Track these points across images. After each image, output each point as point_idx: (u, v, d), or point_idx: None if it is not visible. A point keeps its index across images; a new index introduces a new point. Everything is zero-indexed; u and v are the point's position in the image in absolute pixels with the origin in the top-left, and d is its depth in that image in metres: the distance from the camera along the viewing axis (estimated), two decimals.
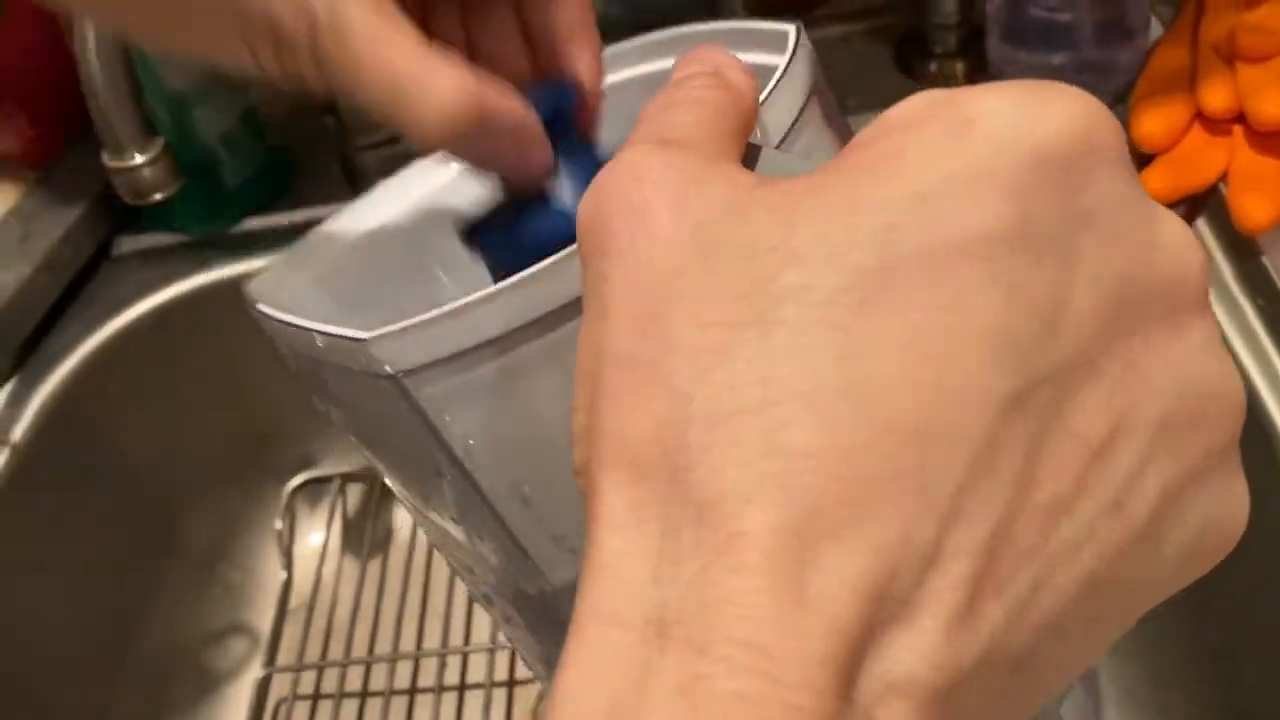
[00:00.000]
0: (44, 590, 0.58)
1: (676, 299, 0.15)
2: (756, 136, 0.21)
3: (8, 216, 0.62)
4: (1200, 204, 0.52)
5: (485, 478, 0.25)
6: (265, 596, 0.67)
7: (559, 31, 0.28)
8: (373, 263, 0.34)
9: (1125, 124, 0.53)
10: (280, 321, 0.26)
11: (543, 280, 0.23)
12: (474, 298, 0.23)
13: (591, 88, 0.28)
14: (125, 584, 0.62)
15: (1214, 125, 0.51)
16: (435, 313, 0.23)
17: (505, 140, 0.25)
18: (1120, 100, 0.56)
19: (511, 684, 0.60)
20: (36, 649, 0.57)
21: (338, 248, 0.33)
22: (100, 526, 0.61)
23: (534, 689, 0.60)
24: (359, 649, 0.63)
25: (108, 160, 0.46)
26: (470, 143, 0.25)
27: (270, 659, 0.64)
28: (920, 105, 0.16)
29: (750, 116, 0.19)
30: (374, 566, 0.67)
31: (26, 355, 0.59)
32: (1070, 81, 0.56)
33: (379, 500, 0.69)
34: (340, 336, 0.24)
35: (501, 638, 0.60)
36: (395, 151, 0.63)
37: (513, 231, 0.27)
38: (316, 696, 0.62)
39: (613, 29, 0.36)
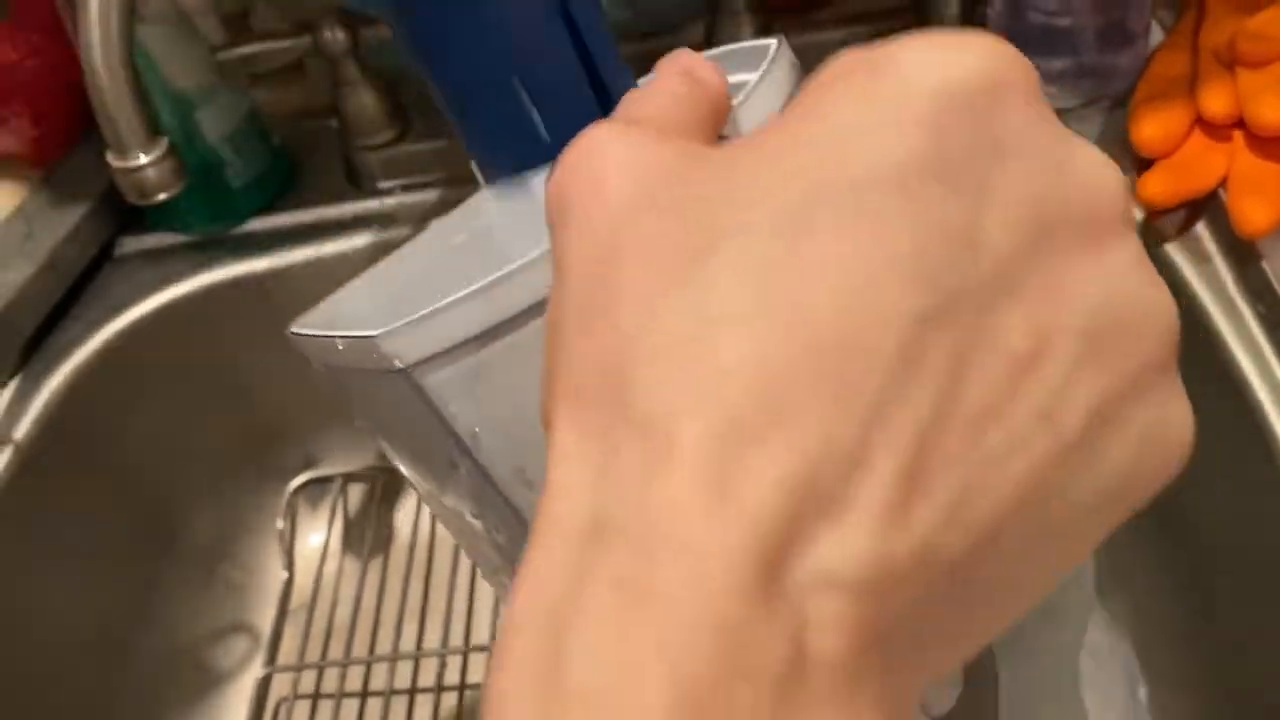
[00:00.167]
0: (45, 588, 0.58)
1: (624, 252, 0.16)
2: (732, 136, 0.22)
3: (12, 216, 0.62)
4: (1200, 209, 0.52)
5: (494, 465, 0.26)
6: (266, 596, 0.67)
7: None
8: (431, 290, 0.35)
9: (1125, 129, 0.53)
10: (306, 335, 0.27)
11: (536, 268, 0.24)
12: (473, 288, 0.24)
13: None
14: (126, 582, 0.63)
15: (1214, 130, 0.51)
16: (438, 304, 0.24)
17: None
18: (1120, 104, 0.57)
19: None
20: (37, 646, 0.57)
21: (400, 279, 0.34)
22: (102, 525, 0.61)
23: None
24: (359, 649, 0.63)
25: (112, 160, 0.46)
26: None
27: (271, 658, 0.64)
28: (846, 60, 0.17)
29: (720, 110, 0.21)
30: (375, 566, 0.67)
31: (30, 354, 0.59)
32: (1070, 86, 0.56)
33: (380, 500, 0.69)
34: (354, 338, 0.25)
35: None
36: (397, 152, 0.64)
37: None
38: (317, 696, 0.62)
39: (615, 31, 0.36)
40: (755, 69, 0.29)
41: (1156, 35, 0.58)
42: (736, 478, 0.14)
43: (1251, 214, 0.49)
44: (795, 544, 0.14)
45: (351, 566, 0.67)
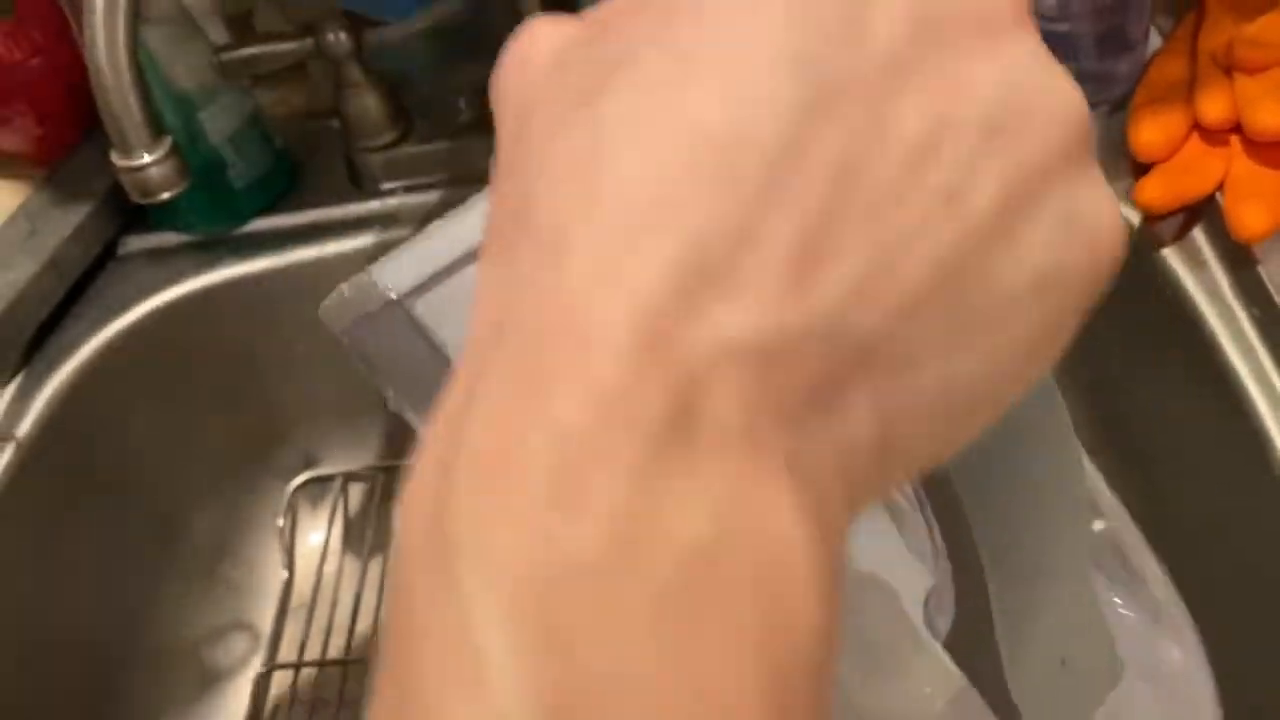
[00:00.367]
0: (46, 585, 0.58)
1: (534, 110, 0.17)
2: None
3: (15, 215, 0.62)
4: (1197, 213, 0.53)
5: None
6: (266, 594, 0.67)
7: None
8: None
9: (1124, 133, 0.54)
10: (329, 304, 0.28)
11: None
12: (456, 212, 0.25)
13: None
14: (127, 580, 0.63)
15: (1212, 135, 0.52)
16: (426, 234, 0.25)
17: None
18: (1119, 109, 0.57)
19: None
20: (38, 644, 0.57)
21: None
22: (103, 523, 0.62)
23: None
24: (360, 647, 0.63)
25: (115, 159, 0.46)
26: None
27: (271, 656, 0.64)
28: None
29: None
30: (375, 565, 0.67)
31: (32, 352, 0.60)
32: None
33: (380, 499, 0.69)
34: (355, 279, 0.26)
35: None
36: (399, 154, 0.64)
37: None
38: (316, 694, 0.62)
39: None
40: None
41: (1155, 41, 0.58)
42: (624, 263, 0.14)
43: (1248, 219, 0.49)
44: (685, 316, 0.14)
45: (352, 566, 0.67)
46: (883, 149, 0.15)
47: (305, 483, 0.70)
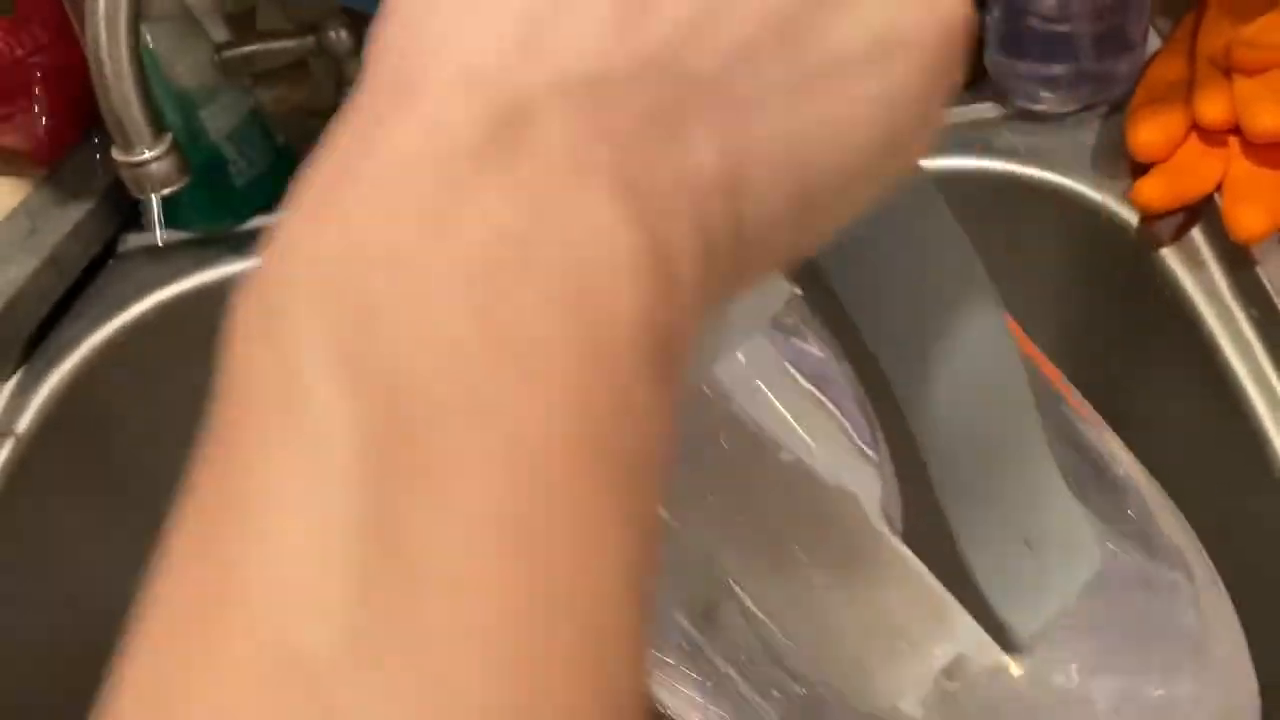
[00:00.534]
0: (46, 582, 0.58)
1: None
2: None
3: (15, 212, 0.62)
4: (1196, 214, 0.53)
5: None
6: None
7: None
8: None
9: (1123, 134, 0.54)
10: None
11: None
12: None
13: None
14: (125, 578, 0.63)
15: (1210, 136, 0.52)
16: None
17: None
18: (1118, 110, 0.57)
19: None
20: (37, 642, 0.57)
21: None
22: (103, 519, 0.62)
23: None
24: None
25: (116, 155, 0.46)
26: None
27: None
28: None
29: None
30: None
31: (33, 349, 0.60)
32: (1068, 91, 0.56)
33: None
34: None
35: None
36: None
37: None
38: None
39: None
40: None
41: (1154, 42, 0.59)
42: (464, 23, 0.16)
43: (1246, 219, 0.49)
44: (515, 61, 0.15)
45: None
46: None
47: None
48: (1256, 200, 0.49)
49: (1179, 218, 0.53)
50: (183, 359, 0.64)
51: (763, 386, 0.28)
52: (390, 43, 0.17)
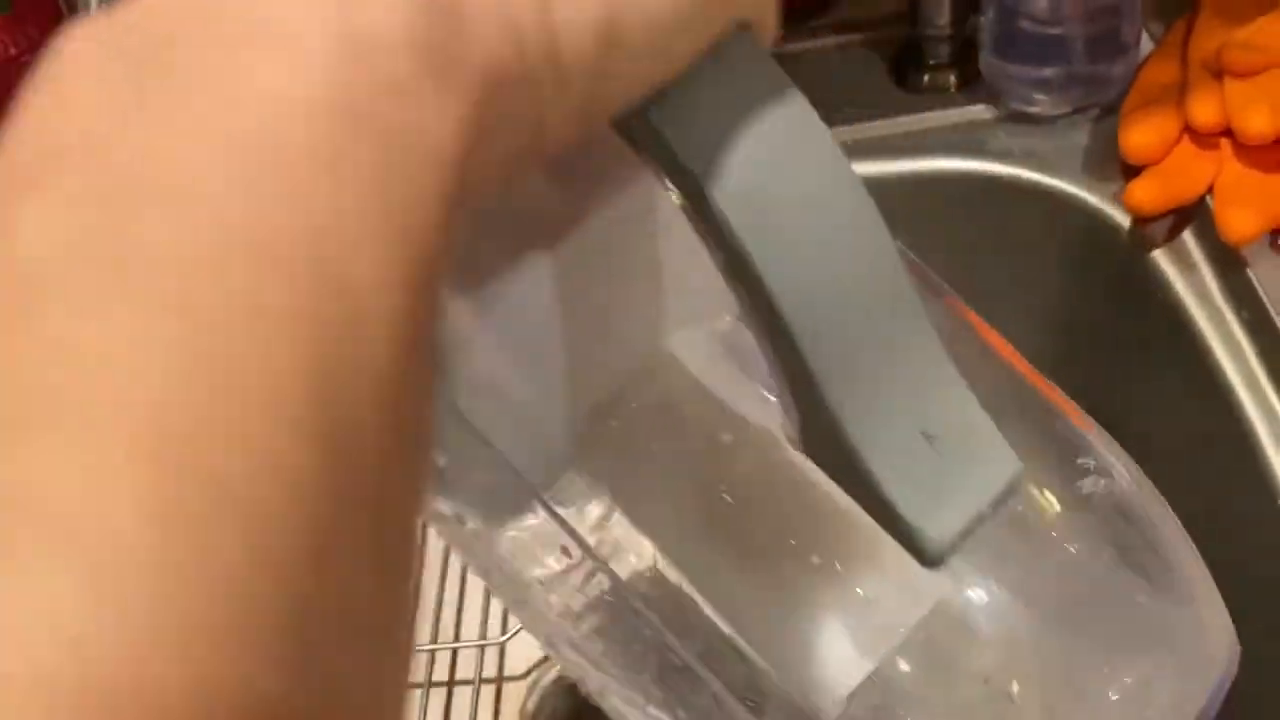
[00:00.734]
0: None
1: None
2: None
3: None
4: (1187, 216, 0.53)
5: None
6: None
7: None
8: None
9: (1115, 136, 0.54)
10: None
11: None
12: None
13: None
14: None
15: (1202, 139, 0.52)
16: None
17: None
18: (1110, 112, 0.57)
19: (500, 680, 0.60)
20: None
21: None
22: None
23: (523, 685, 0.60)
24: None
25: None
26: None
27: None
28: None
29: None
30: None
31: None
32: (1061, 94, 0.57)
33: None
34: None
35: (491, 635, 0.60)
36: None
37: None
38: None
39: None
40: None
41: (1147, 46, 0.59)
42: None
43: (1237, 222, 0.49)
44: None
45: None
46: None
47: None
48: (1247, 202, 0.50)
49: (1170, 220, 0.53)
50: None
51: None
52: None
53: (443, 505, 0.29)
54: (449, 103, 0.15)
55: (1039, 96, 0.58)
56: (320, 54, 0.14)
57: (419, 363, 0.14)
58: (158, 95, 0.14)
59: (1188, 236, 0.53)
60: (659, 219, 0.23)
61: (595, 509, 0.27)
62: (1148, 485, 0.29)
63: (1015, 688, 0.26)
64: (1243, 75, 0.51)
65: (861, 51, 0.65)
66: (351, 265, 0.13)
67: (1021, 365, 0.29)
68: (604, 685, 0.28)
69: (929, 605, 0.26)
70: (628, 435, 0.28)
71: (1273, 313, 0.49)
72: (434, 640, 0.62)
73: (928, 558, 0.22)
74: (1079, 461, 0.28)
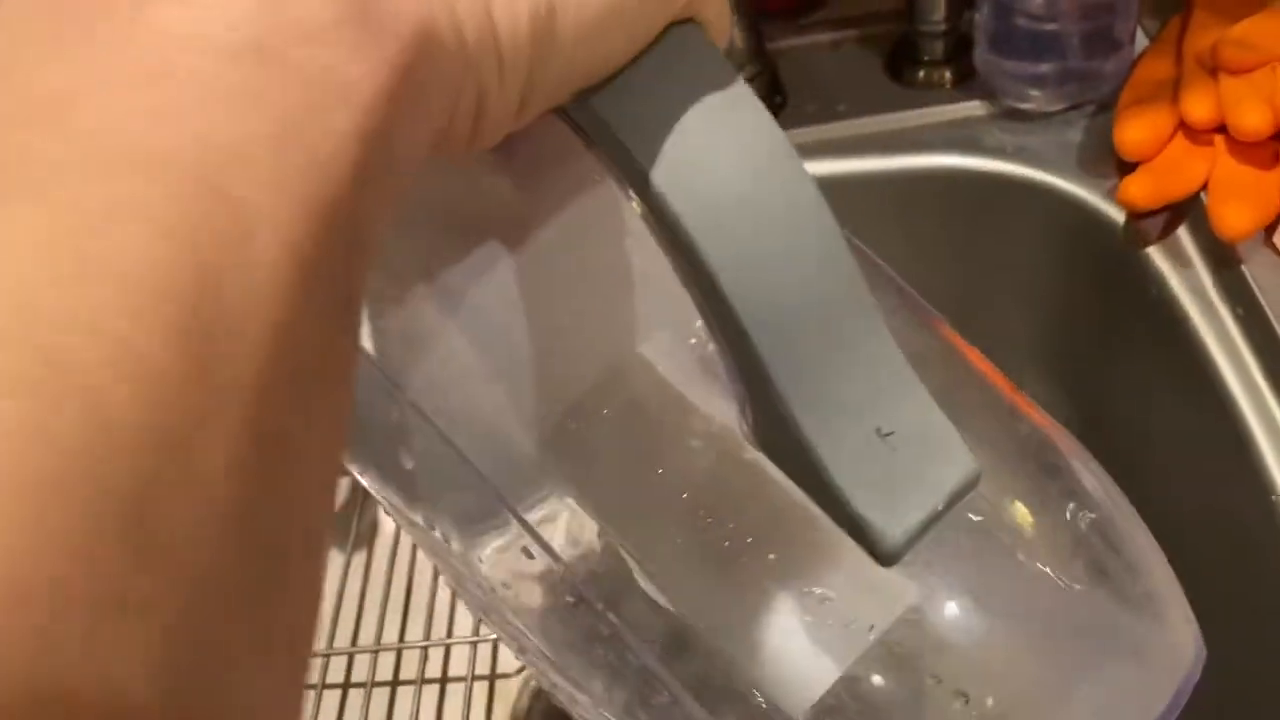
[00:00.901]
0: None
1: None
2: None
3: None
4: (1182, 212, 0.53)
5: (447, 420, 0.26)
6: None
7: None
8: None
9: (1110, 133, 0.54)
10: None
11: None
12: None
13: None
14: None
15: (1196, 135, 0.52)
16: None
17: None
18: (1105, 109, 0.57)
19: (493, 677, 0.60)
20: None
21: None
22: None
23: (515, 682, 0.60)
24: (342, 640, 0.63)
25: None
26: None
27: None
28: None
29: None
30: (359, 559, 0.67)
31: None
32: (1056, 90, 0.57)
33: (365, 493, 0.69)
34: None
35: (484, 632, 0.60)
36: None
37: None
38: None
39: None
40: None
41: (1141, 42, 0.59)
42: None
43: (1231, 218, 0.49)
44: None
45: (335, 559, 0.67)
46: None
47: None
48: (1242, 198, 0.50)
49: (1165, 216, 0.53)
50: None
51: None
52: None
53: (412, 512, 0.29)
54: (369, 50, 0.15)
55: (1034, 93, 0.58)
56: (236, 7, 0.15)
57: (323, 293, 0.14)
58: (67, 30, 0.14)
59: (1182, 232, 0.53)
60: (633, 225, 0.23)
61: (559, 510, 0.27)
62: (1115, 490, 0.29)
63: (974, 691, 0.26)
64: (1237, 72, 0.51)
65: (857, 47, 0.66)
66: (241, 183, 0.14)
67: (992, 374, 0.29)
68: (570, 692, 0.28)
69: (896, 613, 0.25)
70: (595, 438, 0.28)
71: (1266, 308, 0.49)
72: (427, 637, 0.62)
73: (883, 554, 0.22)
74: (1046, 465, 0.28)
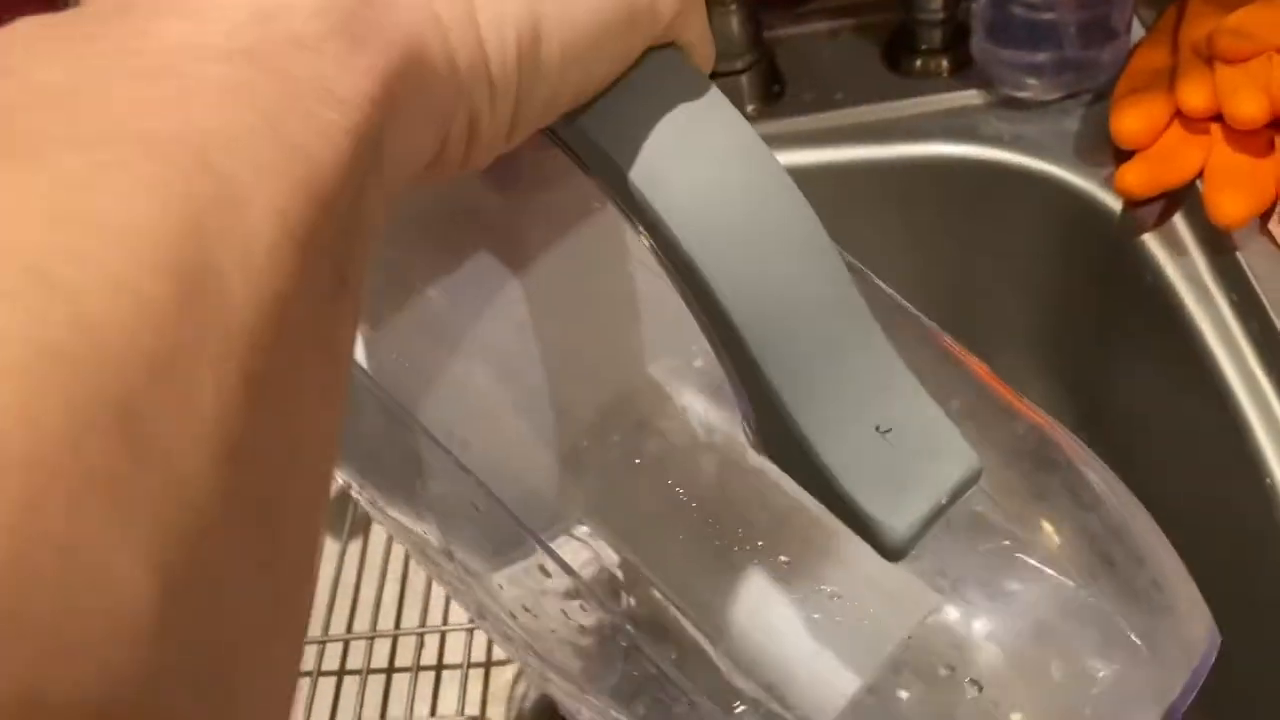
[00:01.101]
0: None
1: None
2: None
3: None
4: (1178, 200, 0.53)
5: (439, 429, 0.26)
6: None
7: None
8: None
9: (1106, 121, 0.54)
10: None
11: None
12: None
13: None
14: None
15: (1192, 124, 0.52)
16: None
17: None
18: (1101, 98, 0.57)
19: (488, 664, 0.60)
20: None
21: None
22: None
23: (510, 670, 0.60)
24: (337, 627, 0.63)
25: None
26: None
27: None
28: None
29: None
30: (354, 546, 0.67)
31: None
32: (1053, 79, 0.57)
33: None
34: None
35: None
36: None
37: None
38: None
39: None
40: None
41: (1138, 31, 0.59)
42: None
43: (1227, 206, 0.49)
44: None
45: (331, 546, 0.67)
46: None
47: None
48: (1237, 186, 0.50)
49: (1161, 204, 0.53)
50: None
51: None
52: None
53: (426, 533, 0.29)
54: (356, 60, 0.16)
55: (1030, 81, 0.58)
56: (230, 20, 0.16)
57: (314, 265, 0.15)
58: (76, 42, 0.15)
59: (1178, 220, 0.53)
60: (635, 248, 0.23)
61: (576, 529, 0.28)
62: (1117, 483, 0.29)
63: (988, 683, 0.26)
64: (1233, 61, 0.51)
65: (854, 36, 0.66)
66: (232, 161, 0.14)
67: (992, 379, 0.29)
68: (578, 701, 0.28)
69: (916, 620, 0.26)
70: (610, 457, 0.28)
71: (1262, 296, 0.49)
72: (423, 624, 0.62)
73: (889, 550, 0.22)
74: (1046, 461, 0.28)
